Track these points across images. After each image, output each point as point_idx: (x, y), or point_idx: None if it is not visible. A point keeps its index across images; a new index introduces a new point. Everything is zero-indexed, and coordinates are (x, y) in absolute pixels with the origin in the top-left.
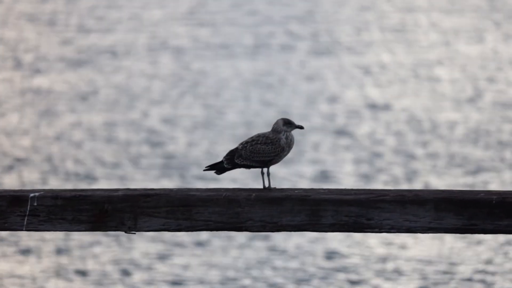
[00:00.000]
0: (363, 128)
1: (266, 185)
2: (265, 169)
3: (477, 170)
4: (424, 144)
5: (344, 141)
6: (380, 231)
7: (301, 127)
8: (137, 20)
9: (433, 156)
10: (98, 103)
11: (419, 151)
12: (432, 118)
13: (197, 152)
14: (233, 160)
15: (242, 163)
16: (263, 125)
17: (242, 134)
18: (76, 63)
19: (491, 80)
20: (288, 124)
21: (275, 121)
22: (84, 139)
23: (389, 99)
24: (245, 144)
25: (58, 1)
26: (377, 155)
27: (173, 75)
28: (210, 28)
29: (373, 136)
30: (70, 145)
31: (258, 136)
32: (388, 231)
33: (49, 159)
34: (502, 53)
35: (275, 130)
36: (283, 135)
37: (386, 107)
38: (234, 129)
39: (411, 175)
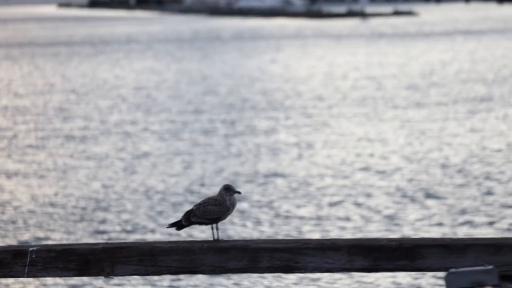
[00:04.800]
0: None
1: (216, 237)
2: (214, 225)
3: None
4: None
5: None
6: (305, 271)
7: (239, 193)
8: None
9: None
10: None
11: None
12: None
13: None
14: (189, 218)
15: (196, 220)
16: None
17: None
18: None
19: (358, 155)
20: (227, 189)
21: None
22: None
23: (281, 168)
24: (198, 206)
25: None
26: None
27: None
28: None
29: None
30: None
31: (209, 199)
32: (312, 271)
33: None
34: (372, 135)
35: (221, 194)
36: (228, 197)
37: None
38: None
39: None
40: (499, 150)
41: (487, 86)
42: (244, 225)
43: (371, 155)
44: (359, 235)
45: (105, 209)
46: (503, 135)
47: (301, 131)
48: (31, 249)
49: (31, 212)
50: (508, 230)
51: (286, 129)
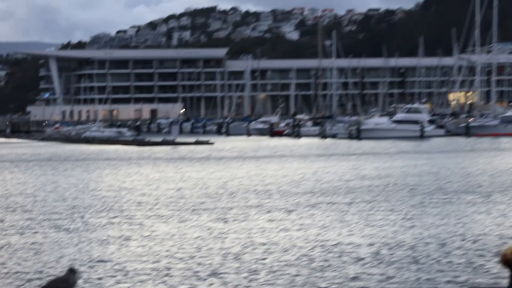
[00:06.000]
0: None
1: None
2: None
3: None
4: None
5: None
6: None
7: (79, 273)
8: None
9: None
10: None
11: None
12: None
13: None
14: None
15: None
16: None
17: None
18: None
19: (163, 245)
20: (71, 271)
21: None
22: None
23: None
24: (50, 282)
25: None
26: None
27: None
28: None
29: None
30: None
31: (57, 277)
32: None
33: None
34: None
35: (67, 274)
36: (71, 277)
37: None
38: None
39: None
40: (264, 244)
41: (258, 196)
42: None
43: (173, 245)
44: None
45: None
46: (266, 232)
47: (123, 227)
48: None
49: None
50: None
51: (113, 226)
